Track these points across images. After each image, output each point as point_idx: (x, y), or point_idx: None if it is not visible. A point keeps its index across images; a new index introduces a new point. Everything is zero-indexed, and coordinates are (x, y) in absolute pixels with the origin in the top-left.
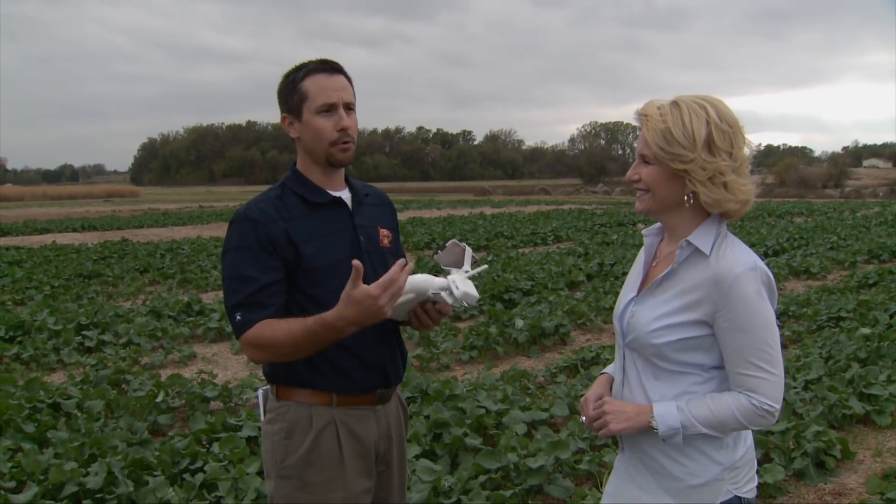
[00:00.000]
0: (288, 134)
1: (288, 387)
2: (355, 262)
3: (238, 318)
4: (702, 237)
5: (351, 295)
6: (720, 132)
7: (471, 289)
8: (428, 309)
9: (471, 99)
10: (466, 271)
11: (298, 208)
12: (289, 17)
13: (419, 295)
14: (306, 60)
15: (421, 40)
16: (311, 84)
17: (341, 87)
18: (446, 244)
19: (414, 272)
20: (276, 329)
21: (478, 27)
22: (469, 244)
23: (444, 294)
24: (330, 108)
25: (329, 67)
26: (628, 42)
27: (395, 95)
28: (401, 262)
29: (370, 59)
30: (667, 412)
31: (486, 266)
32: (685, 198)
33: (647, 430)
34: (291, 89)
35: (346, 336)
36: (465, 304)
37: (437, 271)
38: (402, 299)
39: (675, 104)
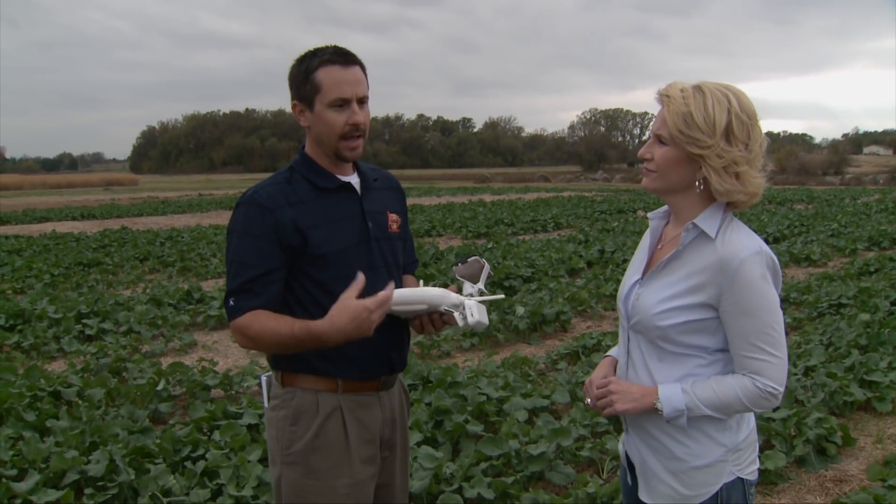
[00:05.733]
0: (298, 120)
1: (293, 373)
2: (360, 274)
3: (231, 303)
4: (708, 220)
5: (347, 304)
6: (740, 122)
7: (484, 317)
8: (434, 319)
9: (474, 85)
10: (481, 290)
11: (307, 193)
12: (294, 0)
13: (431, 307)
14: (321, 46)
15: (429, 26)
16: (326, 76)
17: (356, 81)
18: (468, 259)
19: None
20: (265, 326)
21: (487, 12)
22: (468, 231)
23: (455, 314)
24: (343, 103)
25: (344, 58)
26: (639, 27)
27: (398, 82)
28: (391, 284)
29: (376, 46)
30: (672, 394)
31: (502, 296)
32: (696, 183)
33: (652, 412)
34: (304, 78)
35: (329, 347)
36: (476, 331)
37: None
38: (414, 307)
39: (698, 89)
